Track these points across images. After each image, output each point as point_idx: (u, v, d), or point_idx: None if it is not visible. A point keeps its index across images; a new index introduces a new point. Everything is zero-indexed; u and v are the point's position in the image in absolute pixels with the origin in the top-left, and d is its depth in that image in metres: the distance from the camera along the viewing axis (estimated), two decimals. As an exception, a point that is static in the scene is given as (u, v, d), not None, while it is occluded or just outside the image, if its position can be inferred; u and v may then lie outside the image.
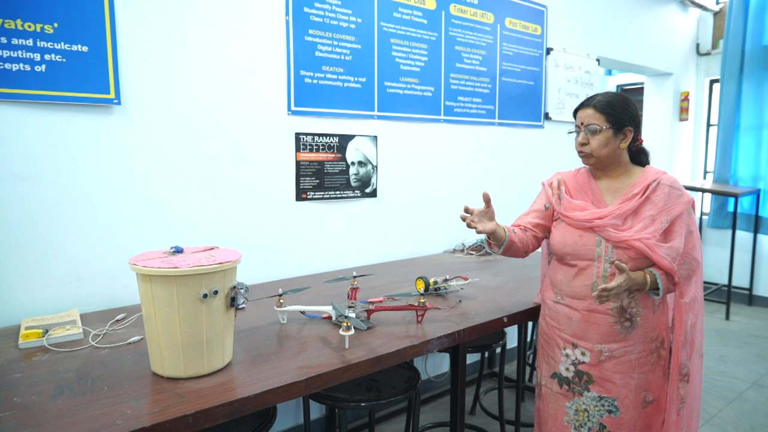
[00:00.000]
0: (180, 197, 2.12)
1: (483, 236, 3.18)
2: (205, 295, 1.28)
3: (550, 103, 3.62)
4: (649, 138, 5.25)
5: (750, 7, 4.80)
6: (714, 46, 5.17)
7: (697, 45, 5.21)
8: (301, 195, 2.46)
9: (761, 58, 4.75)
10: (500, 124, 3.33)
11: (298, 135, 2.43)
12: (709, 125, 5.33)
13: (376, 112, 2.69)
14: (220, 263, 1.30)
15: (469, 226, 1.71)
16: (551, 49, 3.58)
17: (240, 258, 1.38)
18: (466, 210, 1.72)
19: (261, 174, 2.34)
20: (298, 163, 2.44)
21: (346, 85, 2.56)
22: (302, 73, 2.41)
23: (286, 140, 2.40)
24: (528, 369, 3.34)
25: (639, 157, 1.82)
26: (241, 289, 1.38)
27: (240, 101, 2.25)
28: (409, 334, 1.66)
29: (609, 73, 6.01)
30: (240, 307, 1.45)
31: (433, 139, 2.99)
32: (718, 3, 5.10)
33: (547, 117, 3.62)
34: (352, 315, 1.54)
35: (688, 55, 5.12)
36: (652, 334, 1.71)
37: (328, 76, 2.50)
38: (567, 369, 1.77)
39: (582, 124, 1.73)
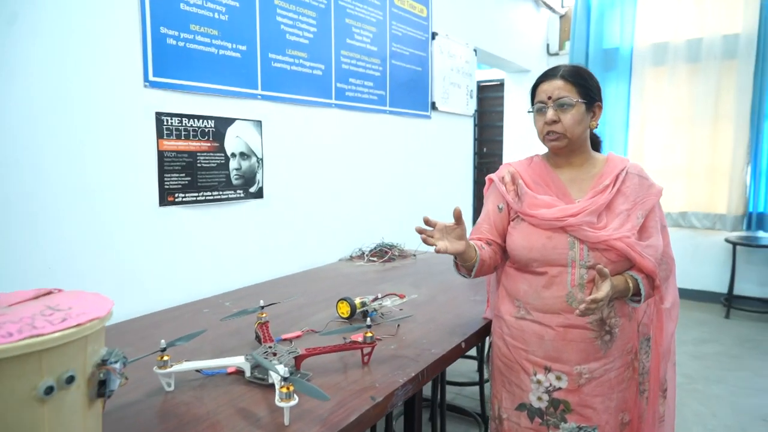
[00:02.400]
0: (-26, 205, 1.37)
1: (384, 239, 2.82)
2: (50, 389, 0.68)
3: (436, 92, 3.37)
4: (512, 133, 5.39)
5: (591, 13, 5.15)
6: (561, 47, 5.47)
7: (547, 45, 5.47)
8: (166, 197, 1.81)
9: (602, 60, 5.12)
10: (391, 113, 2.97)
11: (160, 116, 1.77)
12: (559, 122, 5.64)
13: (259, 91, 2.13)
14: (77, 325, 0.71)
15: (425, 242, 1.33)
16: (436, 33, 3.33)
17: (111, 309, 0.79)
18: (426, 222, 1.33)
19: (107, 170, 1.65)
20: (161, 155, 1.79)
21: (222, 52, 1.97)
22: (163, 30, 1.76)
23: (142, 122, 1.74)
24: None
25: (595, 141, 1.60)
26: (116, 362, 0.79)
27: (73, 65, 1.54)
28: (360, 386, 1.20)
29: (466, 69, 6.07)
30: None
31: (325, 127, 2.52)
32: (563, 6, 5.40)
33: (433, 107, 3.37)
34: (284, 370, 1.03)
35: (541, 53, 5.34)
36: (628, 345, 1.48)
37: (199, 38, 1.88)
38: (539, 398, 1.46)
39: (549, 98, 1.43)
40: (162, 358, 1.15)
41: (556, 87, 1.43)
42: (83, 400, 0.74)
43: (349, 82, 2.62)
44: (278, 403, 0.99)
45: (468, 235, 1.56)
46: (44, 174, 1.50)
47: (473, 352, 3.07)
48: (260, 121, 2.14)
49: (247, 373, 1.21)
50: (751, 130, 4.50)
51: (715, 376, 3.30)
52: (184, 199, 1.86)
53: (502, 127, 5.55)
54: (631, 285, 1.39)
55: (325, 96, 2.48)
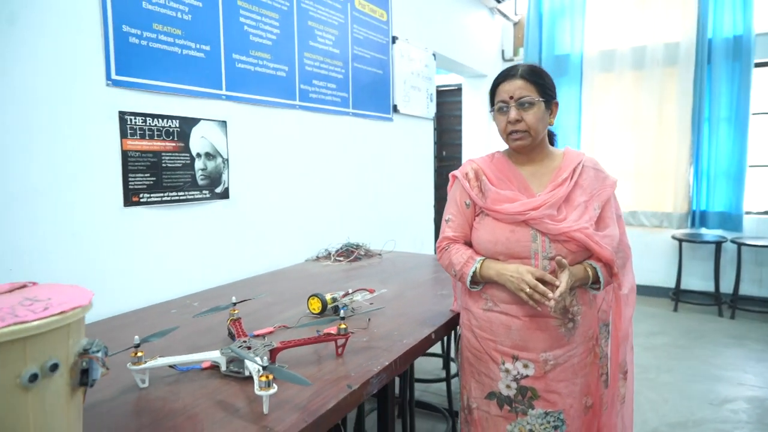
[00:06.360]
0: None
1: (349, 239, 2.84)
2: (34, 376, 0.68)
3: (397, 95, 3.43)
4: (470, 136, 5.51)
5: (543, 21, 5.35)
6: (515, 53, 5.65)
7: (502, 51, 5.64)
8: (131, 198, 1.78)
9: (554, 66, 5.32)
10: (354, 115, 3.01)
11: (123, 115, 1.75)
12: (514, 125, 5.81)
13: (224, 91, 2.12)
14: (61, 313, 0.71)
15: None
16: (396, 37, 3.39)
17: (92, 299, 0.79)
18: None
19: (71, 170, 1.62)
20: (125, 154, 1.76)
21: (185, 52, 1.95)
22: (126, 29, 1.74)
23: (105, 122, 1.71)
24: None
25: (549, 136, 1.67)
26: (98, 351, 0.79)
27: (35, 63, 1.50)
28: (336, 375, 1.22)
29: (424, 74, 6.17)
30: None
31: (289, 128, 2.53)
32: (516, 14, 5.58)
33: (395, 109, 3.43)
34: (261, 361, 1.04)
35: (496, 59, 5.50)
36: (589, 331, 1.56)
37: (162, 37, 1.87)
38: (508, 386, 1.51)
39: (511, 98, 1.49)
40: (136, 354, 1.14)
41: (517, 87, 1.49)
42: (66, 389, 0.74)
43: (312, 83, 2.64)
44: (257, 392, 1.00)
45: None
46: (4, 174, 1.46)
47: (438, 349, 3.12)
48: (225, 122, 2.14)
49: (223, 367, 1.21)
50: (692, 133, 4.76)
51: (665, 365, 3.47)
52: (149, 200, 1.84)
53: (460, 131, 5.67)
54: (590, 273, 1.47)
55: (289, 97, 2.49)
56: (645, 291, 5.07)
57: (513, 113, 1.48)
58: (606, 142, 5.16)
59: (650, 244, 5.05)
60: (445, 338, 2.67)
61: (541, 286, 1.37)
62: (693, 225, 4.89)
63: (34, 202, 1.53)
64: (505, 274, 1.44)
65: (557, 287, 1.37)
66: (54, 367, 0.70)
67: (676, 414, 2.81)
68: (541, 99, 1.49)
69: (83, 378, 0.76)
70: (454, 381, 2.71)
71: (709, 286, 4.80)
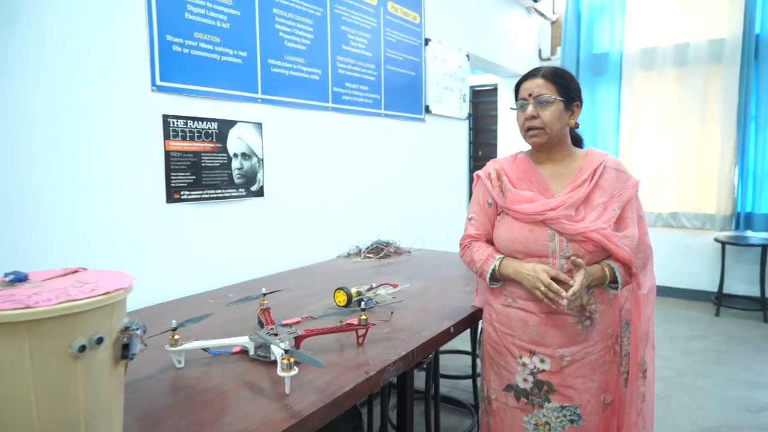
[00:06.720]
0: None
1: (380, 237, 2.93)
2: (83, 348, 0.78)
3: (430, 96, 3.49)
4: (506, 136, 5.51)
5: (582, 19, 5.29)
6: (552, 52, 5.60)
7: (539, 51, 5.60)
8: (173, 195, 1.92)
9: (593, 65, 5.25)
10: (386, 116, 3.09)
11: (166, 118, 1.88)
12: (551, 125, 5.77)
13: (260, 95, 2.24)
14: (106, 293, 0.81)
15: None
16: (429, 40, 3.45)
17: (132, 283, 0.89)
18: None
19: (119, 169, 1.76)
20: (167, 154, 1.89)
21: (224, 58, 2.08)
22: (169, 38, 1.87)
23: (150, 124, 1.85)
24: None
25: (576, 139, 1.71)
26: (137, 329, 0.89)
27: (86, 70, 1.65)
28: (355, 362, 1.30)
29: (461, 74, 6.19)
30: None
31: (322, 129, 2.63)
32: (554, 13, 5.53)
33: (427, 110, 3.48)
34: (285, 344, 1.13)
35: (533, 58, 5.47)
36: (608, 330, 1.58)
37: (202, 45, 1.99)
38: (525, 380, 1.56)
39: (530, 95, 1.54)
40: (173, 336, 1.25)
41: (537, 85, 1.54)
42: (110, 361, 0.85)
43: (345, 86, 2.73)
44: (280, 373, 1.09)
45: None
46: (60, 172, 1.61)
47: (468, 347, 3.17)
48: (261, 124, 2.25)
49: (251, 352, 1.31)
50: (737, 132, 4.61)
51: (703, 370, 3.39)
52: (189, 197, 1.97)
53: (496, 130, 5.67)
54: (607, 273, 1.50)
55: (323, 99, 2.59)
56: (685, 295, 4.94)
57: (530, 109, 1.53)
58: (646, 142, 5.05)
59: (691, 246, 4.91)
60: (474, 334, 2.72)
61: (555, 285, 1.41)
62: (737, 227, 4.73)
63: (86, 198, 1.68)
64: (522, 272, 1.49)
65: (572, 286, 1.41)
66: (99, 341, 0.81)
67: (710, 419, 2.76)
68: (559, 98, 1.53)
69: (124, 352, 0.86)
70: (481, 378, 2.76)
71: (754, 291, 4.64)
